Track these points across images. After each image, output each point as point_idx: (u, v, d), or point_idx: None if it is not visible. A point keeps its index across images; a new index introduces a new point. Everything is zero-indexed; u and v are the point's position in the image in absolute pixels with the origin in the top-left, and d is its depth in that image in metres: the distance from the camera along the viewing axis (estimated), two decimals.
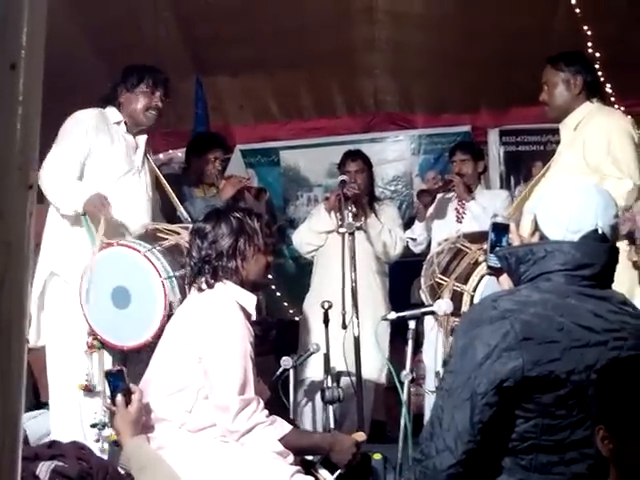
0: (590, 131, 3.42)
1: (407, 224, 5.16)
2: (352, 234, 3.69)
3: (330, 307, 3.74)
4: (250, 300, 2.76)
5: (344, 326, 3.64)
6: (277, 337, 5.35)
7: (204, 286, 2.75)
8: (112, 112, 3.62)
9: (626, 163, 3.31)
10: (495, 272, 2.17)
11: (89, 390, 3.25)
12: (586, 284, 1.92)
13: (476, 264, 3.25)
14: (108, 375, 2.70)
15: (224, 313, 2.68)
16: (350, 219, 3.73)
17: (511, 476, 1.90)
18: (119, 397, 2.60)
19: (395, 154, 6.53)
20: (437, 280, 3.26)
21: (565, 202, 1.99)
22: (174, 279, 3.08)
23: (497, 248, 2.17)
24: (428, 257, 3.59)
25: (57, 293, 3.41)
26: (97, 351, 3.26)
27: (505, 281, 2.10)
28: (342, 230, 3.73)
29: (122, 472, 2.54)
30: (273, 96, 6.29)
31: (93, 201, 3.27)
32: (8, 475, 0.85)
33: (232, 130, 6.49)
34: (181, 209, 3.77)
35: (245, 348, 2.63)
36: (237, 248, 2.75)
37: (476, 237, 3.42)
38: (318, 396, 4.18)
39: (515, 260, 1.99)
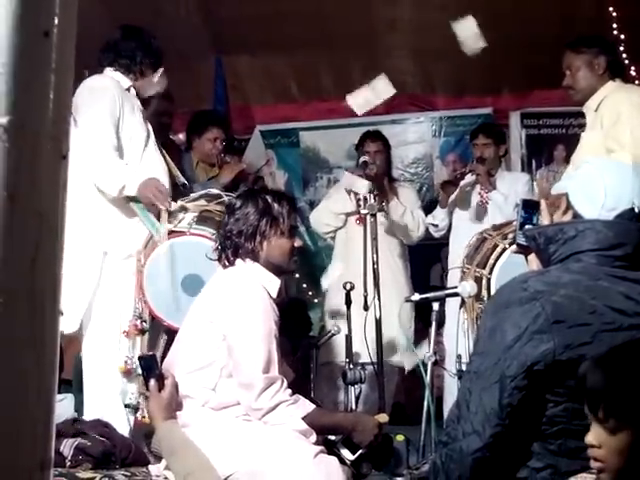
0: (606, 109, 3.38)
1: (427, 207, 5.11)
2: (374, 215, 3.66)
3: (352, 288, 3.72)
4: (273, 283, 2.74)
5: (366, 308, 3.62)
6: (290, 317, 5.31)
7: (226, 262, 2.77)
8: (120, 77, 3.48)
9: (629, 137, 3.25)
10: (524, 250, 2.12)
11: (129, 373, 3.23)
12: (618, 265, 1.88)
13: (494, 248, 3.24)
14: (141, 360, 2.71)
15: (249, 291, 2.67)
16: (372, 200, 3.70)
17: (539, 461, 1.87)
18: (152, 382, 2.61)
19: (415, 136, 6.46)
20: (463, 268, 3.26)
21: (600, 179, 1.95)
22: None
23: (527, 226, 2.12)
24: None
25: (107, 273, 3.36)
26: (141, 335, 3.25)
27: (534, 260, 2.06)
28: (364, 211, 3.70)
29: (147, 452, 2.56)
30: (293, 76, 6.25)
31: (149, 187, 3.20)
32: (43, 445, 0.84)
33: (252, 110, 6.46)
34: (179, 174, 3.71)
35: (270, 327, 2.63)
36: (259, 229, 2.74)
37: (501, 225, 3.44)
38: (340, 379, 4.17)
39: (544, 240, 1.95)
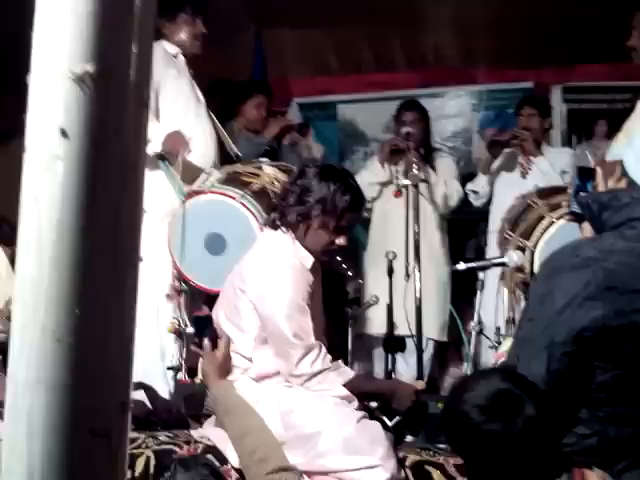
0: None
1: (465, 180, 5.06)
2: (416, 186, 3.64)
3: (395, 257, 3.70)
4: (307, 259, 2.69)
5: (407, 277, 3.62)
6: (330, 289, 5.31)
7: (269, 224, 2.75)
8: (167, 45, 3.56)
9: None
10: (577, 218, 2.11)
11: (179, 334, 3.21)
12: None
13: (540, 220, 3.19)
14: (196, 319, 2.72)
15: (278, 260, 2.64)
16: (415, 170, 3.67)
17: (588, 428, 1.88)
18: (206, 341, 2.64)
19: (455, 110, 6.38)
20: (505, 235, 3.21)
21: None
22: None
23: (581, 193, 2.11)
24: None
25: (146, 232, 3.39)
26: (184, 295, 3.26)
27: (587, 228, 2.04)
28: (406, 182, 3.68)
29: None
30: (332, 49, 6.22)
31: (171, 139, 3.28)
32: (123, 389, 0.87)
33: (290, 83, 6.44)
34: (231, 145, 3.76)
35: (300, 294, 2.58)
36: (309, 211, 2.65)
37: (547, 193, 3.35)
38: (376, 350, 4.19)
39: (598, 207, 1.94)
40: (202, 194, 3.20)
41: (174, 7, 3.58)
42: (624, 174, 1.98)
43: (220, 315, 2.75)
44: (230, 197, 3.15)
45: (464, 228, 5.81)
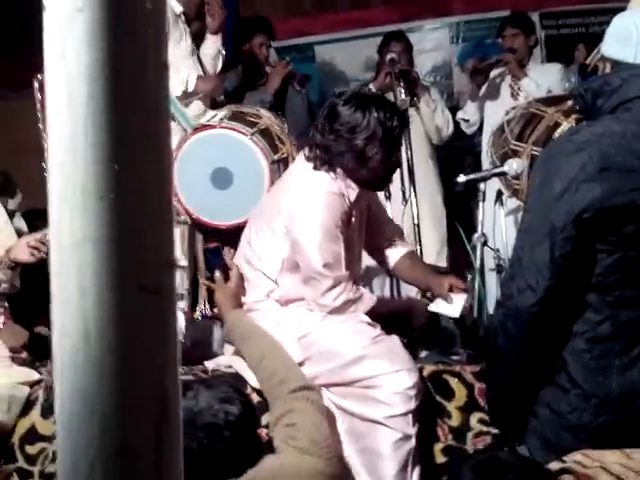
0: None
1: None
2: (405, 111, 3.63)
3: (391, 182, 3.70)
4: (350, 191, 2.65)
5: (404, 201, 3.65)
6: None
7: (311, 161, 2.65)
8: (174, 3, 3.58)
9: None
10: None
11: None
12: None
13: (555, 126, 2.96)
14: (206, 252, 2.75)
15: (315, 186, 2.61)
16: (403, 96, 3.66)
17: (598, 313, 1.89)
18: (217, 273, 2.67)
19: (433, 43, 6.34)
20: (512, 147, 3.01)
21: (629, 21, 1.90)
22: (276, 162, 3.17)
23: None
24: (497, 126, 3.29)
25: None
26: (182, 226, 3.27)
27: None
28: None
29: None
30: None
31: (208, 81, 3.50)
32: (168, 247, 0.87)
33: None
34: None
35: (333, 223, 2.55)
36: (362, 151, 2.58)
37: (550, 100, 3.19)
38: (380, 276, 4.19)
39: (591, 95, 1.92)
40: (211, 128, 3.21)
41: None
42: (606, 60, 1.95)
43: (252, 233, 2.73)
44: (241, 133, 3.17)
45: (451, 163, 5.80)
